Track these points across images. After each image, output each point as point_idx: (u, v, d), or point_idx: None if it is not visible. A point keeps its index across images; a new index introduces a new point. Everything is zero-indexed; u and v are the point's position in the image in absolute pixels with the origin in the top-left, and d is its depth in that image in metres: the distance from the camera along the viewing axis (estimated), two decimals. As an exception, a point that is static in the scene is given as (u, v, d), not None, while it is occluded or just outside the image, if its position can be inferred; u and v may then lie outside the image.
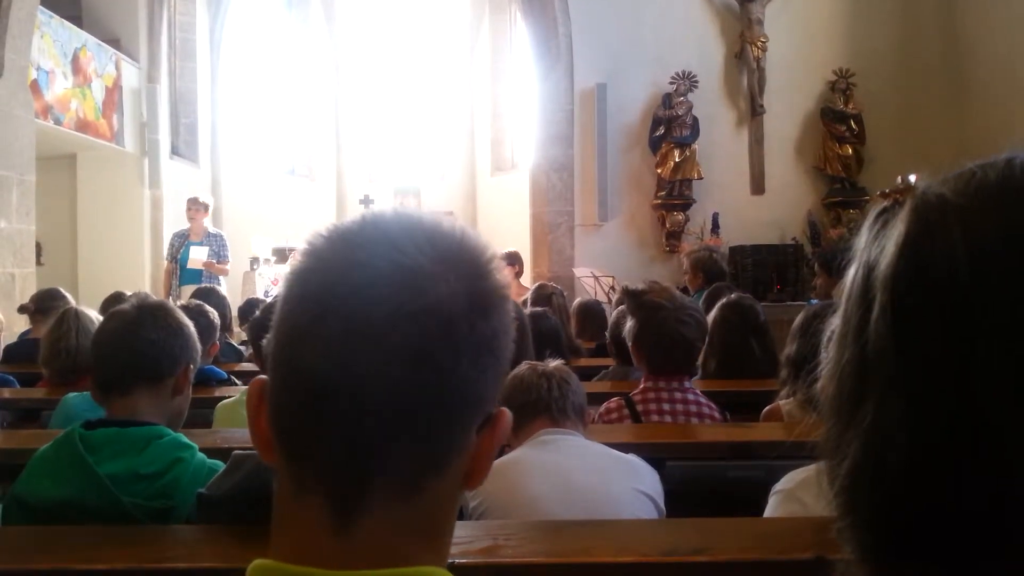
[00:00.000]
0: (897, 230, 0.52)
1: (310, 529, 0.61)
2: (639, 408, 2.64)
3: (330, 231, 0.67)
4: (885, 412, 0.51)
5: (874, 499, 0.52)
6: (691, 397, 2.66)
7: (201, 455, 1.74)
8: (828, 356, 0.57)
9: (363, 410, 0.60)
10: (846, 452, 0.53)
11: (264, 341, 2.25)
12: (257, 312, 3.41)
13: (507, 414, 0.67)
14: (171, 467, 1.66)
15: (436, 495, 0.63)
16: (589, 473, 1.92)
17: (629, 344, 2.73)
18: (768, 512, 1.73)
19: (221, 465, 1.68)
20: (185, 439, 1.76)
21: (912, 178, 0.53)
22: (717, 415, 2.67)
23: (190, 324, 1.88)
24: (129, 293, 4.49)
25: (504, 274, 0.68)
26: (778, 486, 1.73)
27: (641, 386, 2.70)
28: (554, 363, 2.18)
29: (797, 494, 1.67)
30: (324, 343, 0.60)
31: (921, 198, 0.53)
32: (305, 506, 0.62)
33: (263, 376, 0.66)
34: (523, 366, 2.15)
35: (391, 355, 0.59)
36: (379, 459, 0.61)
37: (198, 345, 1.90)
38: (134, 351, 1.77)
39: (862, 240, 0.55)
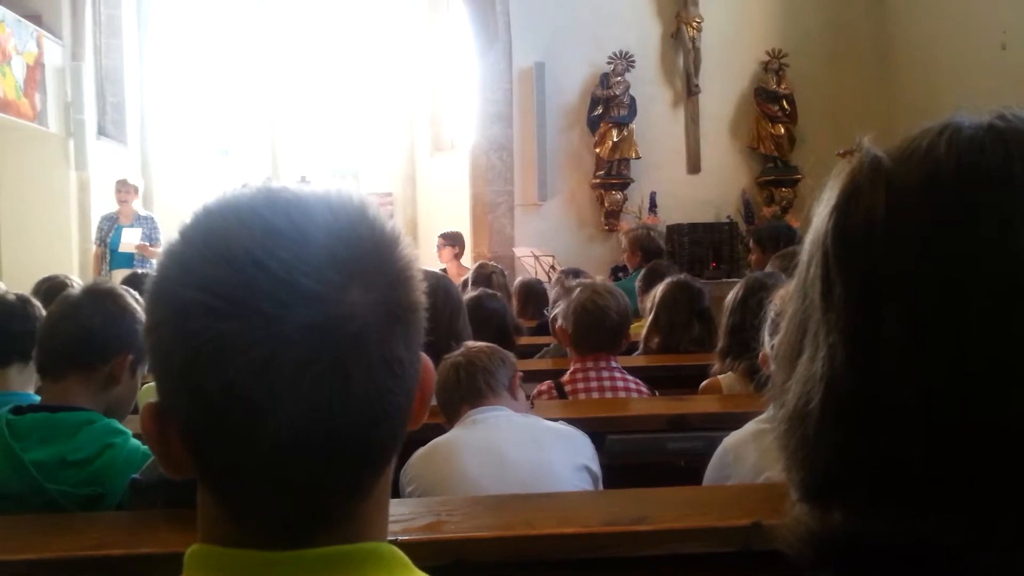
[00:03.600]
0: (834, 190, 0.55)
1: (250, 544, 0.59)
2: (567, 388, 2.73)
3: (207, 239, 0.58)
4: (812, 360, 0.54)
5: (797, 442, 0.55)
6: (618, 375, 2.76)
7: (135, 441, 1.69)
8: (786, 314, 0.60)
9: (295, 465, 0.56)
10: (784, 400, 0.56)
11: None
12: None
13: (427, 363, 0.65)
14: (101, 453, 1.62)
15: (380, 486, 0.63)
16: (521, 445, 1.95)
17: (557, 328, 2.82)
18: (708, 467, 1.86)
19: None
20: (119, 425, 1.71)
21: (866, 140, 0.56)
22: (645, 391, 2.77)
23: (138, 313, 1.78)
24: (75, 278, 4.35)
25: (416, 264, 0.63)
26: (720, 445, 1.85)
27: (571, 368, 2.79)
28: (464, 346, 2.18)
29: (731, 448, 1.81)
30: (235, 388, 0.55)
31: (859, 160, 0.55)
32: (243, 531, 0.59)
33: (150, 402, 0.61)
34: (441, 365, 2.16)
35: (310, 402, 0.55)
36: (326, 502, 0.59)
37: (121, 330, 1.78)
38: (66, 335, 1.72)
39: (823, 201, 0.58)
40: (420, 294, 0.63)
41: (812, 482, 0.55)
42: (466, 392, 2.06)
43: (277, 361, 0.54)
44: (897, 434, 0.50)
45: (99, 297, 1.78)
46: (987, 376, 0.48)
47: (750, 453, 1.77)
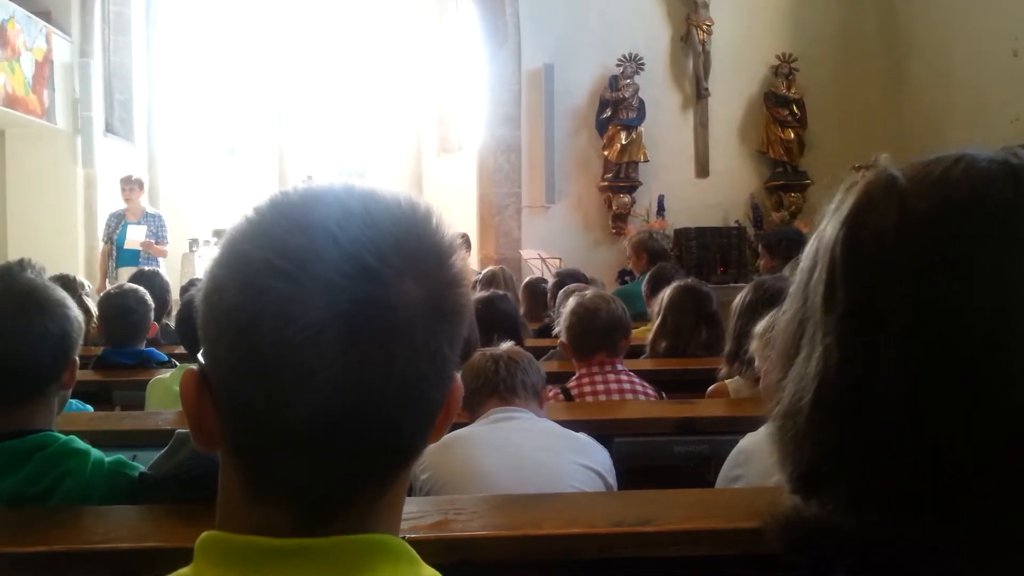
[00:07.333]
0: (848, 203, 0.59)
1: (267, 526, 0.60)
2: (573, 392, 2.72)
3: (288, 211, 0.61)
4: (807, 360, 0.58)
5: (789, 436, 0.59)
6: (624, 377, 2.74)
7: (98, 455, 1.52)
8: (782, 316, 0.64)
9: (329, 437, 0.59)
10: (780, 397, 0.60)
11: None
12: (181, 301, 3.31)
13: (458, 381, 0.67)
14: (58, 483, 1.47)
15: (398, 484, 0.66)
16: (539, 450, 1.95)
17: (559, 342, 2.84)
18: (723, 467, 1.88)
19: (123, 459, 1.54)
20: (76, 443, 1.50)
21: (883, 157, 0.58)
22: (652, 393, 2.75)
23: (63, 321, 1.53)
24: (82, 278, 4.28)
25: (468, 276, 0.66)
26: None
27: (576, 374, 2.78)
28: (506, 345, 2.22)
29: (746, 449, 1.83)
30: (289, 349, 0.57)
31: (875, 176, 0.59)
32: (263, 511, 0.61)
33: (193, 367, 0.63)
34: (476, 354, 2.18)
35: (354, 373, 0.58)
36: (349, 485, 0.61)
37: (77, 333, 1.56)
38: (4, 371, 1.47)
39: (829, 211, 0.61)
40: (468, 301, 0.66)
41: (800, 475, 0.58)
42: (501, 385, 2.07)
43: (332, 328, 0.57)
44: (882, 437, 0.53)
45: (16, 313, 1.49)
46: (979, 395, 0.51)
47: (764, 456, 1.77)
